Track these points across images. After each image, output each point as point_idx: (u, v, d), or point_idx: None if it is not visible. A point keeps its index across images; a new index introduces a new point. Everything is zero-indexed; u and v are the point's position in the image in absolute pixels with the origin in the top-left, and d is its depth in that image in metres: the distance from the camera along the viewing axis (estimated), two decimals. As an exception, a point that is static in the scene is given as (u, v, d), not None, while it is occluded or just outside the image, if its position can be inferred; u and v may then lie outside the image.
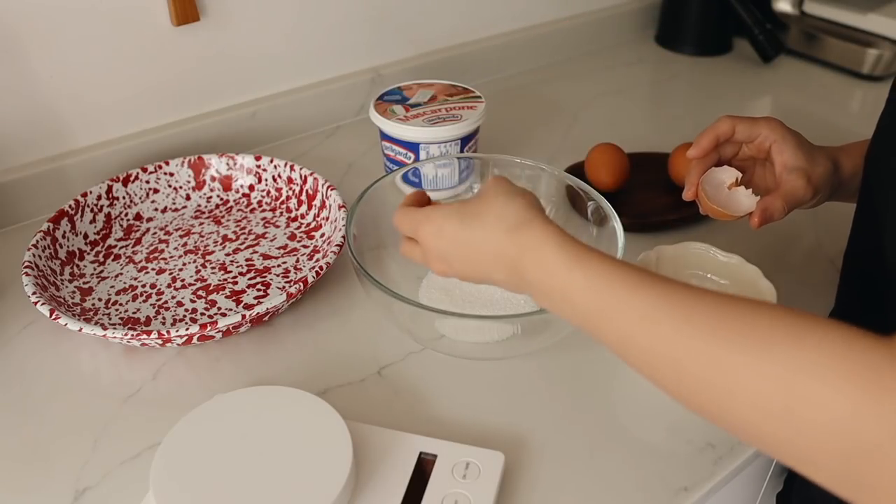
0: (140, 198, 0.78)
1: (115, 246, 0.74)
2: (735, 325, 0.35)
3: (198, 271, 0.70)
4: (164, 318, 0.65)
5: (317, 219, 0.76)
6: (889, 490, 0.30)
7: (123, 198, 0.77)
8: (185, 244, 0.74)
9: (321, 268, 0.64)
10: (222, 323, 0.58)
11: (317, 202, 0.76)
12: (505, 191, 0.48)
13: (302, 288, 0.62)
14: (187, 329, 0.58)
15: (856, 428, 0.30)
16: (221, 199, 0.81)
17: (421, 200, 0.55)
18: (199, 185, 0.80)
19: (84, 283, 0.69)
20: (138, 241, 0.75)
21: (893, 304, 0.50)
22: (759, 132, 0.61)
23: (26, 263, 0.64)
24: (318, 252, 0.72)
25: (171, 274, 0.70)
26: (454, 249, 0.48)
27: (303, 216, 0.77)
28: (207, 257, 0.72)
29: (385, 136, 0.79)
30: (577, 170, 0.82)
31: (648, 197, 0.78)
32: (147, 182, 0.78)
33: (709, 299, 0.37)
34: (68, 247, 0.71)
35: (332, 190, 0.74)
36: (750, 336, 0.34)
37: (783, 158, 0.59)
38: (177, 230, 0.76)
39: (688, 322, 0.37)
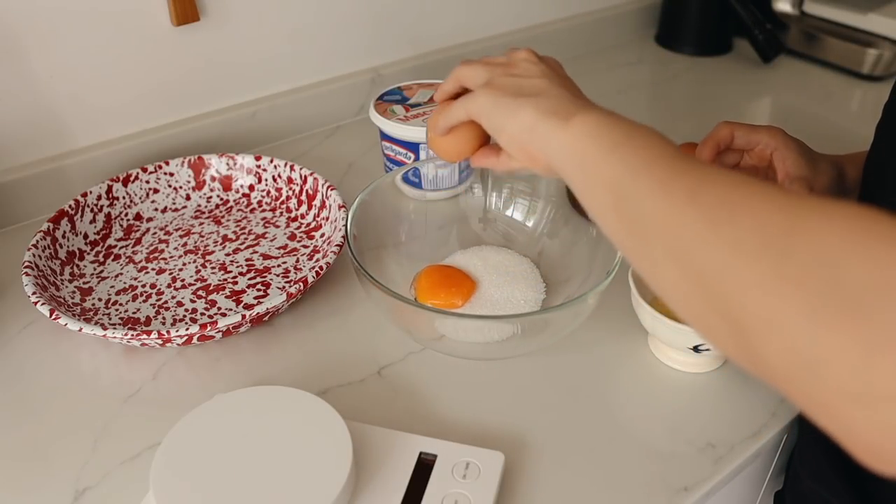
0: (140, 198, 0.78)
1: (115, 246, 0.74)
2: (703, 184, 0.35)
3: (198, 271, 0.70)
4: (164, 318, 0.65)
5: (317, 219, 0.76)
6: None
7: (123, 198, 0.77)
8: (185, 244, 0.74)
9: (321, 268, 0.64)
10: (222, 323, 0.58)
11: (317, 202, 0.76)
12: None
13: (302, 288, 0.62)
14: (187, 329, 0.58)
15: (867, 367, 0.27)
16: (221, 199, 0.81)
17: None
18: (199, 185, 0.80)
19: (84, 283, 0.69)
20: (138, 241, 0.75)
21: None
22: (759, 139, 0.60)
23: (26, 263, 0.64)
24: (318, 252, 0.72)
25: (171, 274, 0.70)
26: (500, 71, 0.49)
27: (303, 216, 0.77)
28: (207, 257, 0.72)
29: (385, 136, 0.79)
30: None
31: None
32: (147, 182, 0.78)
33: (692, 172, 0.36)
34: (68, 247, 0.71)
35: (332, 190, 0.74)
36: (696, 186, 0.34)
37: (785, 167, 0.59)
38: (177, 230, 0.76)
39: (661, 175, 0.37)
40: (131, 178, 0.77)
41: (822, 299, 0.28)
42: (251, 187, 0.81)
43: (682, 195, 0.35)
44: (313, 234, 0.75)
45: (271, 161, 0.80)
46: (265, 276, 0.70)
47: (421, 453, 0.51)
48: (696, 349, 0.56)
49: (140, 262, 0.72)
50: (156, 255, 0.73)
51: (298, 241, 0.74)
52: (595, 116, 0.43)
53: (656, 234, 0.36)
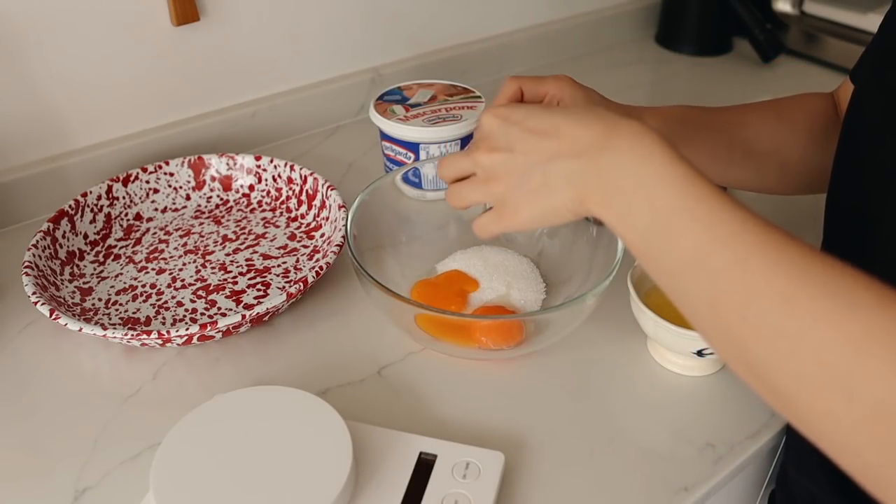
0: (140, 198, 0.78)
1: (115, 246, 0.74)
2: (824, 273, 0.33)
3: (198, 271, 0.70)
4: (164, 318, 0.65)
5: (317, 219, 0.76)
6: None
7: (123, 198, 0.77)
8: (185, 244, 0.74)
9: (321, 268, 0.64)
10: (222, 323, 0.58)
11: (317, 202, 0.76)
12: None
13: (302, 288, 0.62)
14: (187, 329, 0.58)
15: None
16: (221, 199, 0.81)
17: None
18: (199, 185, 0.80)
19: (84, 283, 0.69)
20: (138, 241, 0.75)
21: (878, 251, 0.48)
22: (545, 90, 0.58)
23: (26, 263, 0.64)
24: (318, 252, 0.72)
25: (171, 274, 0.70)
26: (519, 130, 0.43)
27: (303, 216, 0.77)
28: (207, 257, 0.72)
29: (385, 136, 0.79)
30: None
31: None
32: (147, 182, 0.78)
33: (798, 244, 0.35)
34: (68, 247, 0.71)
35: (332, 190, 0.74)
36: (836, 287, 0.32)
37: (578, 93, 0.57)
38: (177, 230, 0.76)
39: (776, 254, 0.34)
40: (131, 178, 0.77)
41: None
42: (251, 187, 0.81)
43: (788, 283, 0.33)
44: (313, 234, 0.75)
45: (271, 161, 0.80)
46: (265, 276, 0.70)
47: (421, 453, 0.51)
48: (699, 353, 0.56)
49: (140, 262, 0.72)
50: (156, 255, 0.73)
51: (298, 241, 0.74)
52: (643, 172, 0.39)
53: (750, 313, 0.34)
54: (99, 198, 0.75)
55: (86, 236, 0.73)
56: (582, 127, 0.42)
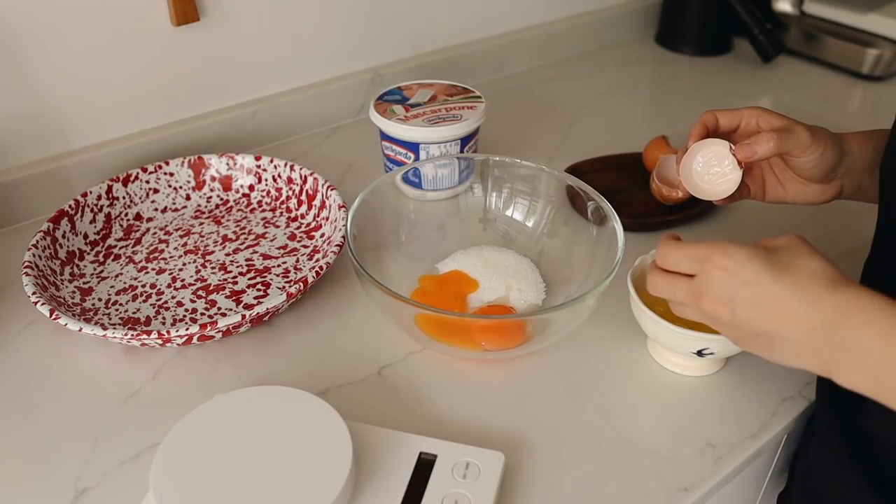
0: (140, 198, 0.78)
1: (115, 246, 0.74)
2: None
3: (198, 271, 0.70)
4: (164, 318, 0.65)
5: (317, 219, 0.76)
6: None
7: (123, 198, 0.77)
8: (185, 244, 0.74)
9: (321, 268, 0.64)
10: (222, 323, 0.58)
11: (317, 202, 0.76)
12: (817, 251, 0.45)
13: (302, 288, 0.62)
14: (187, 329, 0.58)
15: None
16: (221, 199, 0.81)
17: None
18: (199, 185, 0.80)
19: (84, 283, 0.69)
20: (138, 241, 0.75)
21: None
22: (741, 115, 0.60)
23: (26, 263, 0.64)
24: (318, 252, 0.72)
25: (171, 274, 0.70)
26: (747, 294, 0.44)
27: (303, 216, 0.77)
28: (207, 257, 0.72)
29: (385, 136, 0.79)
30: (577, 170, 0.83)
31: (648, 197, 0.78)
32: (147, 182, 0.78)
33: None
34: (68, 247, 0.71)
35: (332, 190, 0.74)
36: None
37: (773, 120, 0.58)
38: (177, 230, 0.76)
39: None
40: (131, 178, 0.77)
41: None
42: (251, 187, 0.81)
43: None
44: (313, 234, 0.75)
45: (271, 161, 0.80)
46: (265, 276, 0.70)
47: (421, 453, 0.51)
48: (699, 353, 0.56)
49: (140, 262, 0.72)
50: (156, 255, 0.73)
51: (298, 241, 0.74)
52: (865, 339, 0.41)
53: None
54: (99, 198, 0.75)
55: (86, 236, 0.73)
56: (811, 303, 0.42)
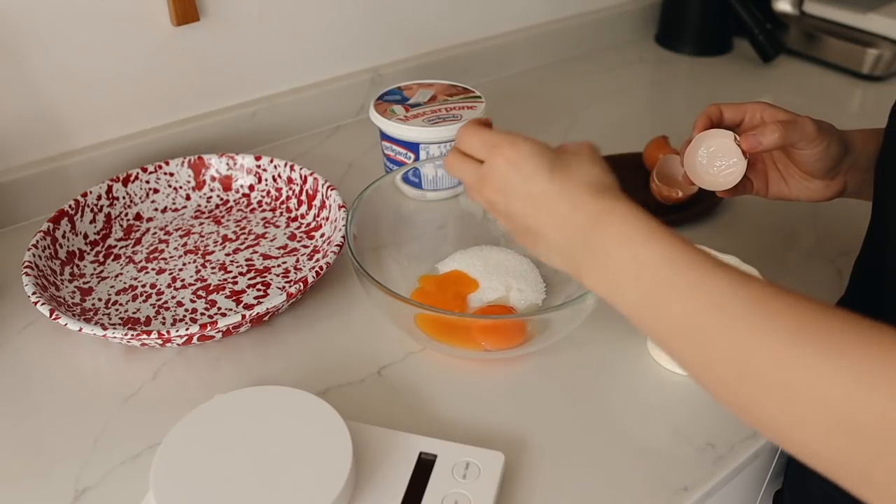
0: (140, 198, 0.78)
1: (115, 246, 0.74)
2: (807, 326, 0.34)
3: (198, 271, 0.70)
4: (164, 318, 0.65)
5: (317, 219, 0.76)
6: None
7: (123, 198, 0.77)
8: (185, 244, 0.74)
9: (321, 268, 0.64)
10: (222, 323, 0.58)
11: (317, 202, 0.76)
12: (599, 161, 0.47)
13: (302, 288, 0.62)
14: (187, 329, 0.58)
15: None
16: (221, 199, 0.81)
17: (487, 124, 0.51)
18: (199, 185, 0.80)
19: (84, 283, 0.69)
20: (138, 241, 0.75)
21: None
22: (746, 109, 0.60)
23: (26, 263, 0.64)
24: (318, 252, 0.72)
25: (171, 274, 0.70)
26: (523, 188, 0.45)
27: (303, 216, 0.77)
28: (207, 257, 0.72)
29: (385, 136, 0.79)
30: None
31: (648, 197, 0.78)
32: (147, 182, 0.78)
33: (783, 296, 0.36)
34: (68, 247, 0.71)
35: (332, 190, 0.74)
36: (821, 338, 0.33)
37: (777, 114, 0.58)
38: (177, 230, 0.76)
39: (760, 315, 0.35)
40: (131, 178, 0.77)
41: None
42: (251, 187, 0.81)
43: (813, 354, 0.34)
44: (313, 234, 0.75)
45: (271, 161, 0.80)
46: (265, 276, 0.70)
47: (421, 453, 0.51)
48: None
49: (140, 262, 0.72)
50: (156, 255, 0.73)
51: (298, 241, 0.74)
52: (628, 247, 0.41)
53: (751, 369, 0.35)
54: (99, 198, 0.75)
55: (86, 236, 0.73)
56: (574, 206, 0.44)
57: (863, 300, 0.58)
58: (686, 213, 0.77)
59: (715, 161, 0.60)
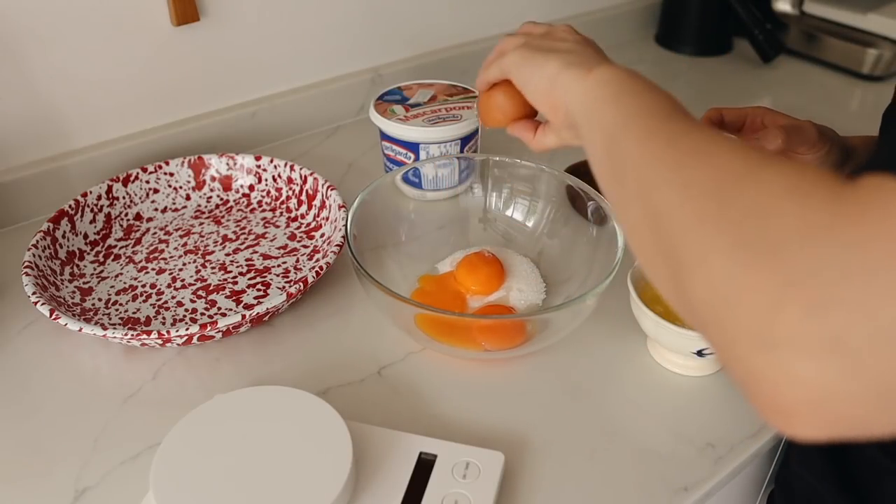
0: (140, 198, 0.78)
1: (115, 246, 0.74)
2: (689, 146, 0.36)
3: (198, 271, 0.70)
4: (164, 318, 0.65)
5: (317, 219, 0.76)
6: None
7: (123, 198, 0.77)
8: (185, 244, 0.74)
9: (321, 268, 0.64)
10: (222, 323, 0.58)
11: (317, 202, 0.76)
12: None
13: (302, 288, 0.62)
14: (187, 329, 0.58)
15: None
16: (221, 199, 0.81)
17: None
18: (199, 185, 0.80)
19: (84, 283, 0.69)
20: (138, 241, 0.75)
21: None
22: (746, 113, 0.61)
23: (26, 263, 0.64)
24: (318, 252, 0.72)
25: (171, 274, 0.70)
26: (537, 37, 0.53)
27: (303, 216, 0.77)
28: (207, 257, 0.72)
29: (385, 136, 0.79)
30: (577, 170, 0.82)
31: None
32: (147, 182, 0.78)
33: (678, 124, 0.38)
34: (68, 247, 0.71)
35: (332, 190, 0.74)
36: (687, 143, 0.36)
37: (779, 118, 0.59)
38: (177, 230, 0.76)
39: (649, 135, 0.38)
40: (131, 178, 0.77)
41: (748, 241, 0.29)
42: (251, 187, 0.81)
43: (662, 141, 0.37)
44: (313, 234, 0.75)
45: (271, 161, 0.80)
46: (265, 276, 0.70)
47: (421, 453, 0.51)
48: (699, 353, 0.56)
49: (140, 262, 0.72)
50: (156, 255, 0.73)
51: (298, 241, 0.74)
52: (614, 70, 0.46)
53: (630, 175, 0.37)
54: (99, 198, 0.75)
55: (86, 236, 0.73)
56: (586, 51, 0.51)
57: None
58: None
59: None
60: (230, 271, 0.70)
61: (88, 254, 0.72)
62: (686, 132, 0.37)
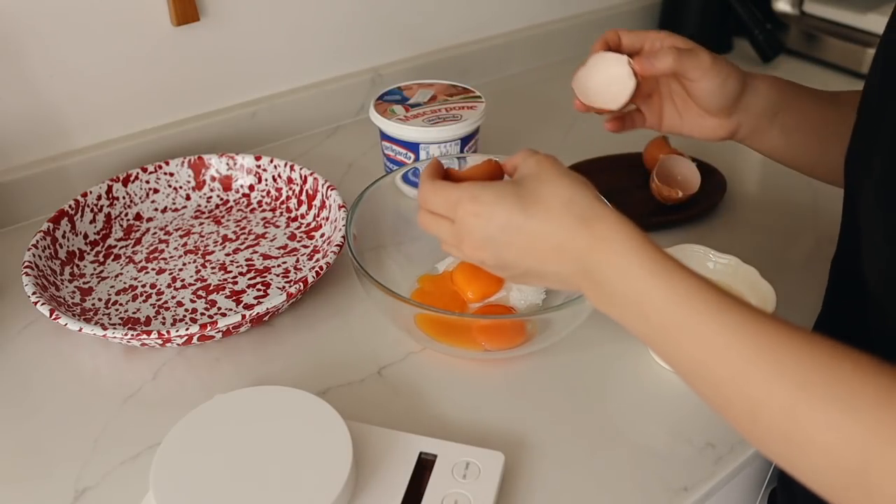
0: (140, 198, 0.78)
1: (115, 246, 0.74)
2: (821, 377, 0.33)
3: (198, 271, 0.70)
4: (164, 318, 0.65)
5: (317, 219, 0.76)
6: None
7: (123, 198, 0.77)
8: (185, 244, 0.74)
9: (321, 268, 0.64)
10: (222, 323, 0.58)
11: (317, 202, 0.76)
12: (566, 174, 0.45)
13: (302, 288, 0.62)
14: (187, 329, 0.58)
15: None
16: (221, 199, 0.81)
17: (441, 173, 0.50)
18: (199, 185, 0.80)
19: (84, 283, 0.69)
20: (138, 241, 0.75)
21: (874, 315, 0.48)
22: (647, 37, 0.60)
23: (26, 263, 0.64)
24: (318, 252, 0.72)
25: (171, 274, 0.70)
26: (504, 237, 0.44)
27: (303, 216, 0.77)
28: (207, 257, 0.72)
29: (385, 136, 0.79)
30: (577, 170, 0.82)
31: (648, 197, 0.78)
32: (147, 182, 0.78)
33: (798, 340, 0.35)
34: (68, 247, 0.71)
35: (332, 190, 0.74)
36: (835, 391, 0.33)
37: (676, 41, 0.58)
38: (177, 230, 0.76)
39: (769, 363, 0.35)
40: (131, 178, 0.77)
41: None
42: (251, 187, 0.81)
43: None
44: (313, 234, 0.75)
45: (271, 161, 0.80)
46: (265, 276, 0.70)
47: (421, 453, 0.51)
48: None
49: (140, 262, 0.72)
50: (156, 255, 0.73)
51: (298, 241, 0.74)
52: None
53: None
54: (99, 198, 0.75)
55: (86, 236, 0.73)
56: (566, 235, 0.43)
57: (844, 305, 0.57)
58: (686, 212, 0.77)
59: (607, 84, 0.59)
60: (230, 271, 0.70)
61: (88, 254, 0.72)
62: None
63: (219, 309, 0.66)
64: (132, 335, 0.57)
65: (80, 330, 0.58)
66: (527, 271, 0.45)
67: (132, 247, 0.74)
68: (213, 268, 0.71)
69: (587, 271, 0.42)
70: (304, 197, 0.78)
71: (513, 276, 0.47)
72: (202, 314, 0.65)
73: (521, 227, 0.44)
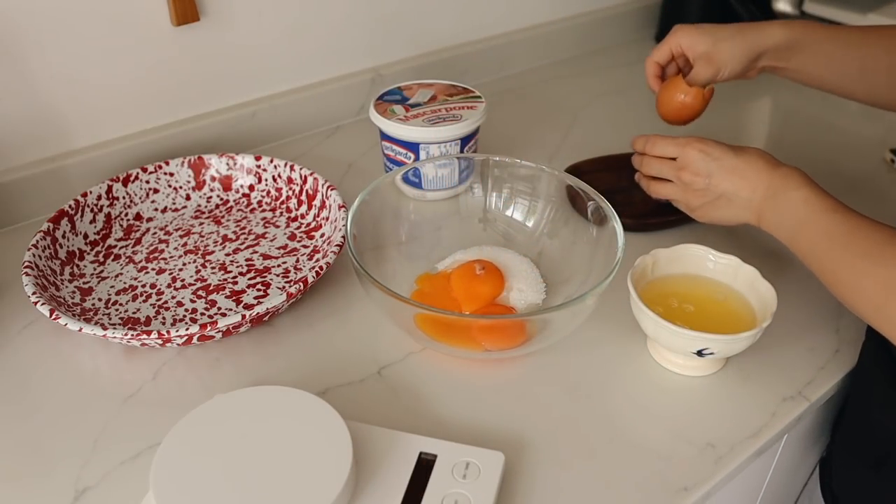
0: (140, 198, 0.78)
1: (115, 246, 0.74)
2: (871, 247, 0.52)
3: (198, 271, 0.70)
4: (164, 318, 0.65)
5: (317, 219, 0.76)
6: None
7: (123, 198, 0.77)
8: (185, 244, 0.74)
9: (321, 268, 0.64)
10: (222, 323, 0.58)
11: (317, 202, 0.76)
12: (761, 151, 0.64)
13: (302, 288, 0.62)
14: (187, 329, 0.58)
15: None
16: (221, 199, 0.81)
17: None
18: (199, 185, 0.80)
19: (84, 283, 0.69)
20: (138, 241, 0.75)
21: None
22: (668, 46, 0.78)
23: (26, 263, 0.64)
24: (318, 252, 0.72)
25: (171, 274, 0.70)
26: (717, 165, 0.63)
27: (303, 216, 0.77)
28: (207, 257, 0.72)
29: (385, 136, 0.79)
30: (577, 170, 0.83)
31: (648, 197, 0.78)
32: (147, 182, 0.78)
33: (864, 231, 0.54)
34: (68, 247, 0.71)
35: (332, 190, 0.74)
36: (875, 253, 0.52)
37: (696, 46, 0.77)
38: (177, 230, 0.76)
39: (855, 254, 0.53)
40: (131, 178, 0.77)
41: None
42: (251, 187, 0.81)
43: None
44: (313, 234, 0.75)
45: (271, 161, 0.80)
46: (265, 276, 0.70)
47: (421, 453, 0.51)
48: (699, 353, 0.56)
49: (140, 262, 0.72)
50: (156, 255, 0.73)
51: (298, 241, 0.74)
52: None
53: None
54: (99, 198, 0.75)
55: (86, 236, 0.73)
56: (760, 172, 0.61)
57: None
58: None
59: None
60: (230, 271, 0.70)
61: (88, 254, 0.72)
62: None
63: (219, 309, 0.66)
64: (132, 335, 0.57)
65: (80, 330, 0.58)
66: (722, 194, 0.63)
67: (132, 247, 0.74)
68: (213, 268, 0.71)
69: (775, 196, 0.60)
70: (304, 197, 0.78)
71: (704, 204, 0.65)
72: (202, 314, 0.65)
73: (731, 161, 0.63)
